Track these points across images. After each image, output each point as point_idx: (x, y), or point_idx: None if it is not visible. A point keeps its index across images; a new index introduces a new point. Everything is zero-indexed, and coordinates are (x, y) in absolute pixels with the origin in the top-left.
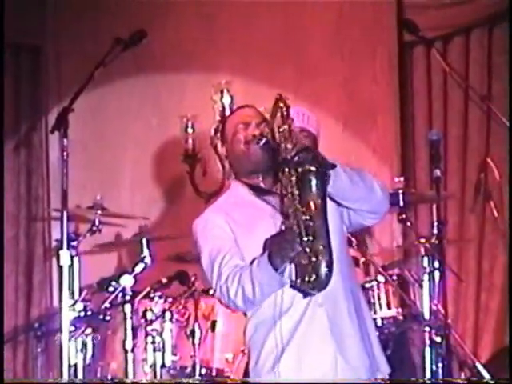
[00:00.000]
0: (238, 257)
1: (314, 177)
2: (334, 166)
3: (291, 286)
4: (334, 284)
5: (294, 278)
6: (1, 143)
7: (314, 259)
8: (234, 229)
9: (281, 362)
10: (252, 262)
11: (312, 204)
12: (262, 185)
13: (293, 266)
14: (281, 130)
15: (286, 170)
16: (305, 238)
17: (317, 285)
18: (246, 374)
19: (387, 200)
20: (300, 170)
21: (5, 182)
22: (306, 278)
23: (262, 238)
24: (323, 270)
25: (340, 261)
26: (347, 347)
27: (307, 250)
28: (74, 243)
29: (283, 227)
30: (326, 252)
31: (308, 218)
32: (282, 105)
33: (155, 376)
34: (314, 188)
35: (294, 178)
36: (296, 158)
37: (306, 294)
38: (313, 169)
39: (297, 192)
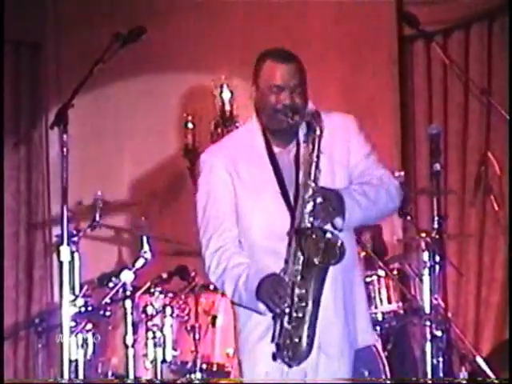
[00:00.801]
0: (232, 223)
1: (318, 271)
2: (342, 255)
3: (273, 359)
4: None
5: (276, 340)
6: (1, 141)
7: (296, 339)
8: (237, 184)
9: (258, 349)
10: (235, 253)
11: (309, 290)
12: (278, 141)
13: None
14: (309, 158)
15: (296, 238)
16: (294, 314)
17: (293, 361)
18: None
19: (396, 206)
20: (307, 256)
21: (5, 179)
22: (285, 352)
23: (260, 208)
24: (302, 350)
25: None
26: (329, 340)
27: (292, 325)
28: (75, 239)
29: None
30: (310, 336)
31: (301, 296)
32: (317, 129)
33: (156, 371)
34: (313, 280)
35: (299, 249)
36: (302, 227)
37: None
38: (316, 262)
39: (299, 268)
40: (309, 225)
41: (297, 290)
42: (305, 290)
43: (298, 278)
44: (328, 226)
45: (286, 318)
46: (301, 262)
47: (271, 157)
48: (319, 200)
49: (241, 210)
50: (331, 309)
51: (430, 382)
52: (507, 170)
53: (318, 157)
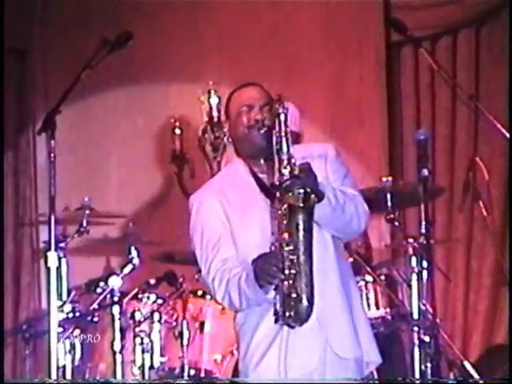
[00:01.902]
0: (228, 247)
1: (302, 213)
2: (322, 198)
3: (275, 321)
4: (324, 276)
5: (277, 309)
6: (1, 141)
7: (294, 295)
8: (228, 210)
9: (269, 354)
10: (235, 267)
11: (298, 240)
12: (262, 167)
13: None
14: (279, 136)
15: (278, 194)
16: (287, 271)
17: (296, 320)
18: (235, 374)
19: (361, 230)
20: (287, 201)
21: None
22: (287, 313)
23: (255, 221)
24: (303, 307)
25: (330, 252)
26: (337, 339)
27: (289, 283)
28: (62, 245)
29: (271, 248)
30: (308, 290)
31: (292, 251)
32: (280, 109)
33: (144, 377)
34: (300, 225)
35: (283, 208)
36: (284, 185)
37: (288, 326)
38: (301, 205)
39: (284, 222)
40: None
41: (286, 248)
42: (293, 246)
43: (285, 235)
44: None
45: (285, 284)
46: (284, 222)
47: (256, 178)
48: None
49: (235, 231)
50: (341, 312)
51: (417, 382)
52: (507, 174)
53: (286, 132)
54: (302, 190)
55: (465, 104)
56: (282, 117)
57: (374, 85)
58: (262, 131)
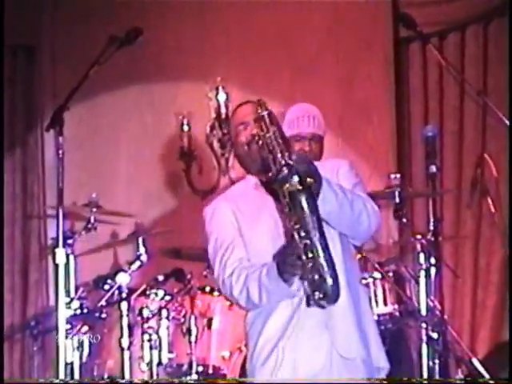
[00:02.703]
0: (241, 248)
1: (303, 195)
2: (319, 180)
3: (307, 305)
4: None
5: (307, 294)
6: (1, 143)
7: (317, 277)
8: (240, 218)
9: (275, 352)
10: (252, 265)
11: (306, 222)
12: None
13: (304, 282)
14: (267, 137)
15: (277, 188)
16: (304, 257)
17: (327, 300)
18: (243, 371)
19: (372, 229)
20: (287, 190)
21: None
22: (316, 296)
23: (264, 229)
24: (329, 286)
25: (338, 253)
26: (342, 339)
27: (309, 267)
28: (70, 241)
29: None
30: (329, 268)
31: (304, 235)
32: (262, 112)
33: (151, 374)
34: (305, 207)
35: (284, 198)
36: (280, 176)
37: (322, 307)
38: (299, 188)
39: (289, 211)
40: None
41: (297, 235)
42: (303, 230)
43: (293, 223)
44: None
45: (303, 263)
46: (290, 212)
47: (266, 188)
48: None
49: (247, 239)
50: (347, 313)
51: (425, 382)
52: (506, 172)
53: (274, 131)
54: (296, 177)
55: (473, 100)
56: (266, 118)
57: (382, 82)
58: (260, 143)
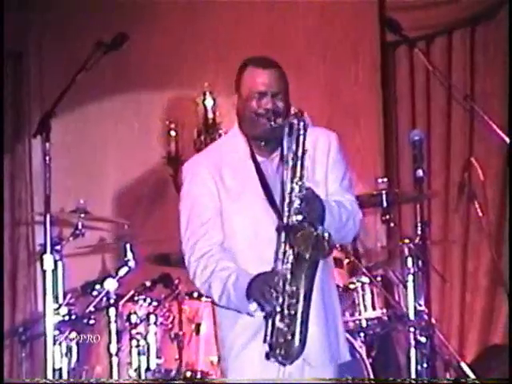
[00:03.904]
0: (216, 230)
1: (307, 264)
2: (330, 253)
3: (266, 358)
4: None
5: (268, 340)
6: (0, 144)
7: (289, 337)
8: (221, 191)
9: (249, 347)
10: (222, 258)
11: (300, 285)
12: (263, 150)
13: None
14: (295, 153)
15: (285, 235)
16: (286, 311)
17: (287, 359)
18: None
19: (353, 236)
20: (296, 250)
21: None
22: (278, 351)
23: (247, 210)
24: (295, 348)
25: None
26: (313, 351)
27: (285, 321)
28: (58, 247)
29: (271, 269)
30: (302, 332)
31: (292, 291)
32: (301, 130)
33: (140, 379)
34: (304, 275)
35: (290, 249)
36: (294, 235)
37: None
38: (307, 256)
39: (289, 262)
40: (295, 220)
41: (287, 287)
42: (295, 286)
43: (288, 274)
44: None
45: (278, 317)
46: (290, 258)
47: (256, 164)
48: (304, 203)
49: (225, 215)
50: (312, 320)
51: (413, 382)
52: (508, 178)
53: (303, 154)
54: (312, 240)
55: (460, 104)
56: (302, 138)
57: (370, 86)
58: (273, 124)
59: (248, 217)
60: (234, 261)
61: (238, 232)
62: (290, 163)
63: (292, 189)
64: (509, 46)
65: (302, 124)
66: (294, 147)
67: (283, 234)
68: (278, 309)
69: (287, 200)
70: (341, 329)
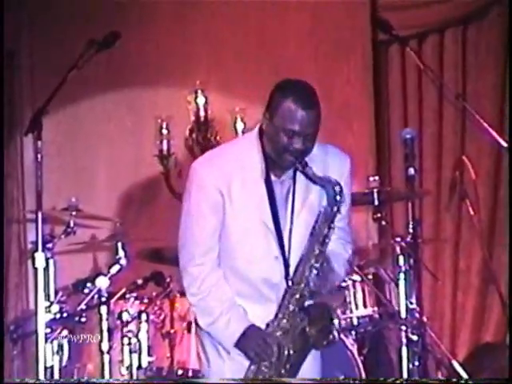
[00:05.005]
0: (214, 244)
1: (308, 345)
2: (332, 343)
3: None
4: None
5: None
6: (0, 142)
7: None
8: (227, 206)
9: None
10: (218, 282)
11: (295, 354)
12: (277, 171)
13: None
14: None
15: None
16: (273, 366)
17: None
18: None
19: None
20: (300, 327)
21: None
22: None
23: (247, 225)
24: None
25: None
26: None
27: (271, 370)
28: (49, 245)
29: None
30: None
31: (286, 359)
32: (337, 205)
33: (132, 377)
34: (302, 346)
35: (295, 319)
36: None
37: None
38: (309, 335)
39: (290, 331)
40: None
41: (283, 351)
42: (287, 352)
43: (285, 336)
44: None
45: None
46: (291, 321)
47: (268, 186)
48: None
49: (226, 229)
50: None
51: (405, 382)
52: (507, 174)
53: (329, 228)
54: (324, 327)
55: (452, 103)
56: (336, 210)
57: (361, 85)
58: (298, 166)
59: (249, 239)
60: (227, 274)
61: (235, 249)
62: (318, 231)
63: (313, 253)
64: (509, 46)
65: (340, 195)
66: (328, 211)
67: (295, 298)
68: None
69: (304, 264)
70: None
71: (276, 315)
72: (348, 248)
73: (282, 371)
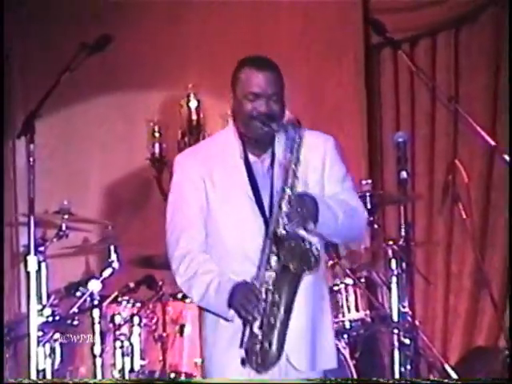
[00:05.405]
0: (199, 229)
1: (292, 276)
2: (317, 265)
3: (241, 362)
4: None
5: (245, 347)
6: (0, 143)
7: (266, 345)
8: (209, 189)
9: (232, 349)
10: (206, 260)
11: (282, 297)
12: (255, 149)
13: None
14: (288, 161)
15: (272, 243)
16: (265, 320)
17: (262, 368)
18: None
19: (363, 232)
20: (282, 261)
21: None
22: (254, 358)
23: (234, 213)
24: (271, 357)
25: None
26: (297, 355)
27: (263, 330)
28: (42, 248)
29: (253, 282)
30: (280, 342)
31: (274, 302)
32: (297, 138)
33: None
34: (288, 285)
35: (275, 262)
36: (280, 233)
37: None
38: (292, 269)
39: (273, 275)
40: (283, 230)
41: (269, 296)
42: (278, 296)
43: (271, 284)
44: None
45: (257, 324)
46: (275, 268)
47: (247, 164)
48: (294, 205)
49: (212, 214)
50: (300, 320)
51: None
52: (507, 177)
53: (296, 164)
54: (299, 252)
55: (444, 106)
56: (296, 147)
57: (354, 88)
58: (265, 129)
59: (236, 217)
60: (218, 257)
61: (223, 230)
62: (283, 171)
63: (282, 196)
64: (509, 45)
65: (298, 134)
66: (288, 156)
67: (270, 242)
68: (257, 316)
69: (276, 206)
70: (330, 335)
71: (258, 267)
72: (356, 205)
73: (274, 321)
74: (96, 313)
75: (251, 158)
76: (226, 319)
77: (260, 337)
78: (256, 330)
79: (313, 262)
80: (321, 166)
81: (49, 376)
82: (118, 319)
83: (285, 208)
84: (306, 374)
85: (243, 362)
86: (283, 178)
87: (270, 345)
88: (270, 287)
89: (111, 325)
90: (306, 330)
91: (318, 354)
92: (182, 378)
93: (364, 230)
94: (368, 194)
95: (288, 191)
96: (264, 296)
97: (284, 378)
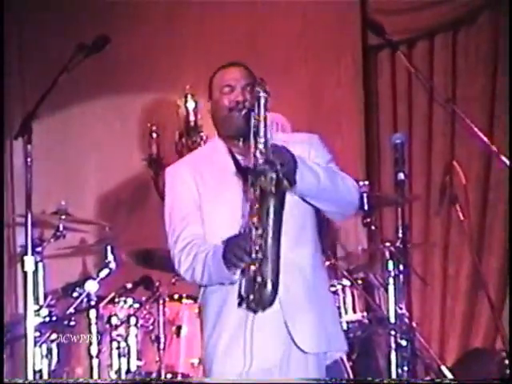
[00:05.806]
0: (196, 224)
1: (273, 200)
2: (294, 183)
3: (238, 305)
4: (294, 266)
5: (242, 292)
6: (0, 143)
7: (259, 279)
8: (201, 189)
9: (233, 345)
10: (204, 244)
11: (267, 224)
12: (241, 149)
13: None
14: (257, 119)
15: (250, 178)
16: (254, 255)
17: (259, 304)
18: None
19: (356, 203)
20: (260, 185)
21: None
22: (251, 297)
23: (226, 206)
24: (267, 292)
25: (296, 239)
26: (300, 333)
27: (255, 267)
28: (39, 249)
29: (241, 230)
30: (274, 275)
31: (260, 234)
32: (261, 92)
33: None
34: (271, 210)
35: (255, 191)
36: (258, 169)
37: (250, 310)
38: (272, 190)
39: (255, 206)
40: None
41: (254, 233)
42: (262, 230)
43: (255, 219)
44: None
45: (250, 261)
46: (255, 207)
47: (233, 159)
48: (269, 154)
49: (206, 210)
50: (303, 299)
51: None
52: (506, 179)
53: (265, 116)
54: (274, 176)
55: (442, 108)
56: (262, 100)
57: (351, 89)
58: (243, 113)
59: (227, 208)
60: None
61: (219, 225)
62: (253, 128)
63: (255, 146)
64: (509, 45)
65: (261, 89)
66: (256, 110)
67: (244, 178)
68: (249, 260)
69: (252, 158)
70: (333, 317)
71: (242, 215)
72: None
73: (265, 253)
74: (93, 313)
75: (238, 156)
76: (232, 283)
77: (254, 272)
78: (250, 267)
79: (287, 183)
80: (307, 155)
81: (45, 376)
82: (114, 320)
83: (259, 156)
84: (310, 356)
85: (240, 303)
86: (255, 133)
87: (264, 280)
88: (255, 222)
89: (108, 325)
90: (311, 312)
91: (325, 335)
92: (179, 378)
93: (356, 197)
94: (365, 195)
95: (261, 145)
96: (253, 237)
97: (284, 378)
